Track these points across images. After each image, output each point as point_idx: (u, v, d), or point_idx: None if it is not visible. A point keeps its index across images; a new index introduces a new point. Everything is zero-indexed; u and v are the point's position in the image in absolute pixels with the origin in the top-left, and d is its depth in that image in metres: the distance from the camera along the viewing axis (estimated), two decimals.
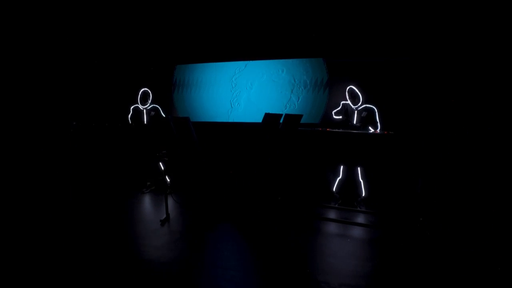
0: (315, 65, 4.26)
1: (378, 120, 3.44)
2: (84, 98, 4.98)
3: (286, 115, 3.15)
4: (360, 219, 3.37)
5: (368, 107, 3.47)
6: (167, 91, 5.06)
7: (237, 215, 3.41)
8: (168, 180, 4.28)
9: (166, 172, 3.47)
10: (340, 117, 3.63)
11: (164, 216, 3.38)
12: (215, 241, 2.83)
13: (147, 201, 3.97)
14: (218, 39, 4.64)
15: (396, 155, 3.04)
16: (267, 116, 3.19)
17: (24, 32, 4.26)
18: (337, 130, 3.23)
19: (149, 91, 4.04)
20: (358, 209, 3.54)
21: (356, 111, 3.47)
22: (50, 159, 4.33)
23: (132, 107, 4.12)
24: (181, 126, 3.21)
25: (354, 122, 3.47)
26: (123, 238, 2.93)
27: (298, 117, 3.10)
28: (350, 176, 3.65)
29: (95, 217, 3.42)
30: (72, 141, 3.55)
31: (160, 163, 4.09)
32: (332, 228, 3.13)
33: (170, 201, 3.82)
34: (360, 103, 3.45)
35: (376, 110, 3.46)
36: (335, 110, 3.71)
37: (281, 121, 3.16)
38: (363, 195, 3.65)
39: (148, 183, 4.32)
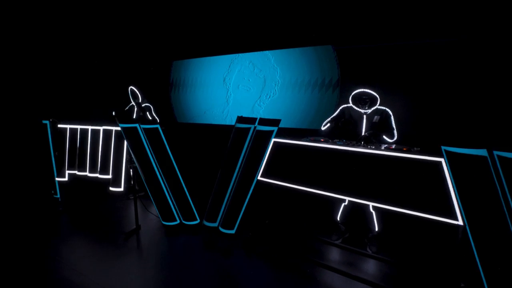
0: (323, 58, 3.43)
1: (394, 126, 2.50)
2: (83, 97, 4.91)
3: (260, 119, 2.50)
4: (371, 268, 2.39)
5: (380, 109, 2.53)
6: (165, 91, 4.81)
7: (212, 238, 2.84)
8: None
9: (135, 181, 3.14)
10: (328, 125, 2.64)
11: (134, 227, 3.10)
12: (169, 275, 2.29)
13: (126, 207, 3.73)
14: (215, 31, 4.18)
15: (425, 182, 1.99)
16: (240, 119, 2.60)
17: (13, 29, 4.20)
18: (339, 146, 2.15)
19: (134, 88, 3.75)
20: (368, 251, 2.59)
21: (365, 116, 2.57)
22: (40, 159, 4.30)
23: (130, 104, 3.88)
24: (152, 136, 2.83)
25: (363, 130, 2.57)
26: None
27: (274, 121, 2.42)
28: (358, 204, 2.73)
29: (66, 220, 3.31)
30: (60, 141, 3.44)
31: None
32: (329, 279, 2.21)
33: (152, 210, 3.51)
34: (376, 104, 2.54)
35: (391, 114, 2.52)
36: (326, 120, 2.66)
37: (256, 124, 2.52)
38: (376, 230, 2.70)
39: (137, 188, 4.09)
